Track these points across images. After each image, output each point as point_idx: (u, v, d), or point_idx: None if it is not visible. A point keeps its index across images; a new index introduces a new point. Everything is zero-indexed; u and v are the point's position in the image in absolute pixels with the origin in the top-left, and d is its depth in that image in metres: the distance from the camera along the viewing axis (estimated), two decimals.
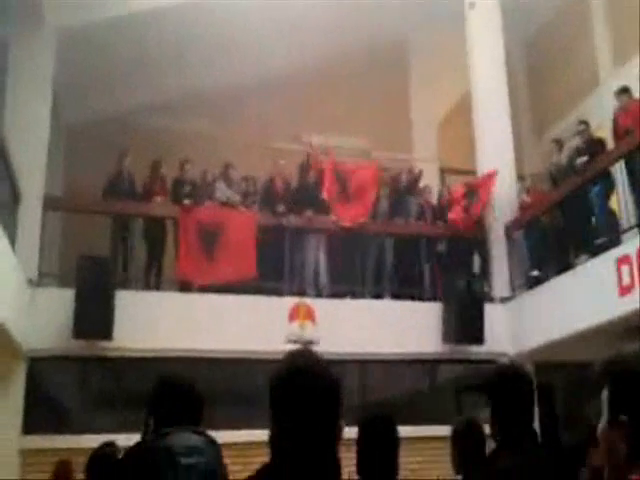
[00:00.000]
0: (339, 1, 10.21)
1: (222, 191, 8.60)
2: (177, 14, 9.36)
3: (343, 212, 8.38)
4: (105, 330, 6.89)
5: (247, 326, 7.34)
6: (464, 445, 3.64)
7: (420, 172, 9.59)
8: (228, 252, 7.93)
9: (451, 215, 8.71)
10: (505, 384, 2.57)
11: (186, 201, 8.09)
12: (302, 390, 1.48)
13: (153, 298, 7.59)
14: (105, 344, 6.97)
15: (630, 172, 7.23)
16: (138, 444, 2.37)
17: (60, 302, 6.93)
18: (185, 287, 8.08)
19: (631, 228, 7.11)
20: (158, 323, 7.21)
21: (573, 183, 7.89)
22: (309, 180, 8.84)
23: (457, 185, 9.34)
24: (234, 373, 7.19)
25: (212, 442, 2.37)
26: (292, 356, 1.58)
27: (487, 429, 3.57)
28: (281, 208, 8.35)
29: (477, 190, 8.86)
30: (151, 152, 9.08)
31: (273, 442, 1.49)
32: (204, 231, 8.01)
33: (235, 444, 6.68)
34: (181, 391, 2.47)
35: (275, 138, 10.11)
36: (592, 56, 10.58)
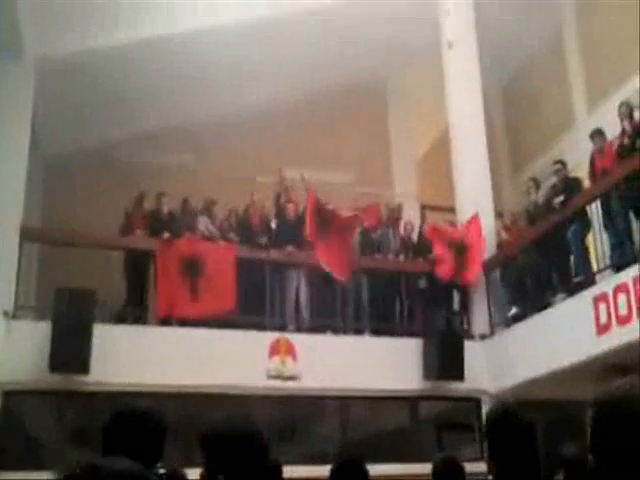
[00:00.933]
0: (321, 39, 10.41)
1: (204, 224, 8.60)
2: (159, 48, 9.43)
3: (326, 255, 8.28)
4: (82, 364, 6.77)
5: (228, 361, 7.26)
6: None
7: (399, 206, 9.64)
8: (208, 286, 7.90)
9: (441, 274, 8.61)
10: (503, 422, 2.61)
11: (166, 234, 8.06)
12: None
13: (132, 332, 7.49)
14: (82, 378, 6.84)
15: (606, 212, 7.38)
16: None
17: (36, 335, 6.81)
18: (165, 321, 7.99)
19: (607, 268, 7.22)
20: (137, 358, 7.10)
21: (550, 222, 8.01)
22: (288, 215, 8.85)
23: (437, 238, 9.03)
24: (214, 409, 7.07)
25: None
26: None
27: (468, 467, 3.61)
28: (262, 240, 8.36)
29: (467, 242, 8.80)
30: (132, 186, 9.06)
31: None
32: (184, 264, 7.97)
33: None
34: (132, 424, 2.22)
35: (258, 172, 10.16)
36: (567, 98, 10.85)
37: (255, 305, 8.05)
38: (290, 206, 8.87)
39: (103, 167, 10.05)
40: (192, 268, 7.96)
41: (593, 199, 7.49)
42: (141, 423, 2.26)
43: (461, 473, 3.65)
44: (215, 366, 7.22)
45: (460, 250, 8.69)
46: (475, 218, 8.89)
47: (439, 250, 8.70)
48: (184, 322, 7.86)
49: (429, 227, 9.33)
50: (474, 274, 8.68)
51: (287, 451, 6.58)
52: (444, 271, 8.58)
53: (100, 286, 7.38)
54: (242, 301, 7.90)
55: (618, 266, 6.93)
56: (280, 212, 8.94)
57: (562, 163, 8.34)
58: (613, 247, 7.28)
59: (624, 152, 7.25)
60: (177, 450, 6.36)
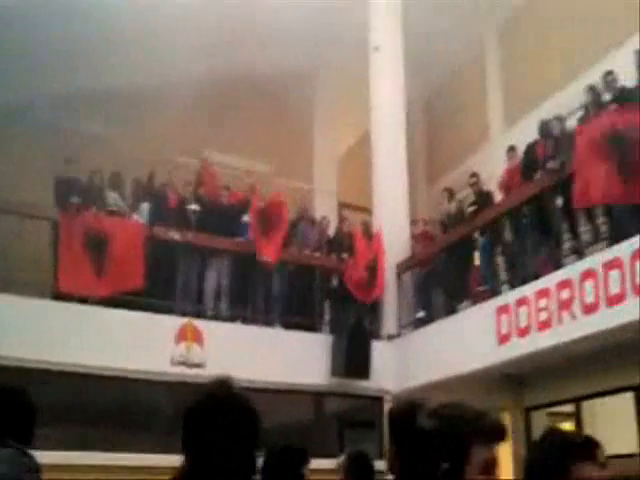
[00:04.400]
0: (250, 29, 10.22)
1: (113, 199, 8.27)
2: (76, 6, 8.94)
3: (266, 249, 8.27)
4: None
5: (133, 343, 7.00)
6: (355, 477, 3.75)
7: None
8: (115, 263, 7.57)
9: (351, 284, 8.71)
10: (408, 421, 2.67)
11: (74, 199, 7.63)
12: (222, 420, 1.49)
13: (28, 305, 7.00)
14: None
15: (514, 226, 7.68)
16: None
17: None
18: (61, 296, 7.54)
19: (509, 281, 7.51)
20: (32, 333, 6.68)
21: (460, 231, 8.29)
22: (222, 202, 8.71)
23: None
24: (118, 392, 6.79)
25: (13, 459, 2.22)
26: (211, 386, 1.58)
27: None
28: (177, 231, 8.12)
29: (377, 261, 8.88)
30: (44, 150, 8.57)
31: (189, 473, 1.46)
32: (89, 240, 7.58)
33: (123, 467, 6.27)
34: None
35: (176, 151, 9.84)
36: (484, 115, 11.26)
37: (164, 288, 7.80)
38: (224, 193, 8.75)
39: (16, 128, 9.42)
40: (98, 244, 7.60)
41: (504, 213, 7.77)
42: (7, 401, 2.35)
43: (371, 468, 3.76)
44: (120, 348, 6.94)
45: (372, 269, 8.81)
46: (378, 234, 9.00)
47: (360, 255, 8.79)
48: (86, 299, 7.49)
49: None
50: (381, 290, 8.80)
51: None
52: (352, 280, 8.67)
53: None
54: (150, 283, 7.63)
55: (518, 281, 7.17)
56: (199, 197, 8.73)
57: (476, 176, 8.65)
58: (515, 259, 7.57)
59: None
60: (72, 432, 6.08)
